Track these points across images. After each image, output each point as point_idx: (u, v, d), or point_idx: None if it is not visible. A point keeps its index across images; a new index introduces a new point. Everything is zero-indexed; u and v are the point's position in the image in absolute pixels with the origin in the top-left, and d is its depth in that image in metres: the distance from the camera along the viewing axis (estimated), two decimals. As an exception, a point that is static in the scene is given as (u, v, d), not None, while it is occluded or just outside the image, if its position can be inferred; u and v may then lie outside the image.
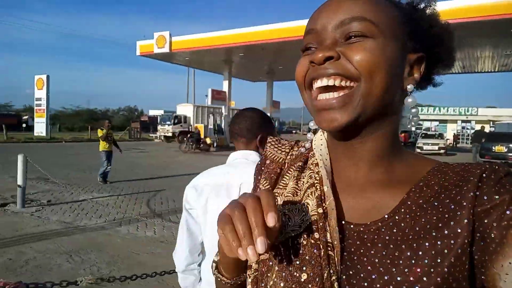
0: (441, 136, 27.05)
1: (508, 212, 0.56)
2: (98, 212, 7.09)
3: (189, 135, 22.84)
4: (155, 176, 11.82)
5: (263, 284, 0.70)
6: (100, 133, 10.56)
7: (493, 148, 16.65)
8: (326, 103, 0.64)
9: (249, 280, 0.73)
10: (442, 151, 24.55)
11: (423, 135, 27.55)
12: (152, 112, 60.87)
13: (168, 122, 29.49)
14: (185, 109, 30.34)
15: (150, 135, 36.60)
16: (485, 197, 0.58)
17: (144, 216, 6.58)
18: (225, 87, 27.44)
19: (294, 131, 78.86)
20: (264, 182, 0.82)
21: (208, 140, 23.38)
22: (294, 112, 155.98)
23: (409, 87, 0.67)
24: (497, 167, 0.61)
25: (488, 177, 0.60)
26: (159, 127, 31.38)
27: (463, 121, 49.90)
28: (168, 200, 8.41)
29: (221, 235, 0.54)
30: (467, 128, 46.38)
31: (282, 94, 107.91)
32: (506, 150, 16.40)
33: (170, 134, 29.08)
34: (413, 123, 0.70)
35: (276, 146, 0.88)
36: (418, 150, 23.66)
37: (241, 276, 0.74)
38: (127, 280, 2.81)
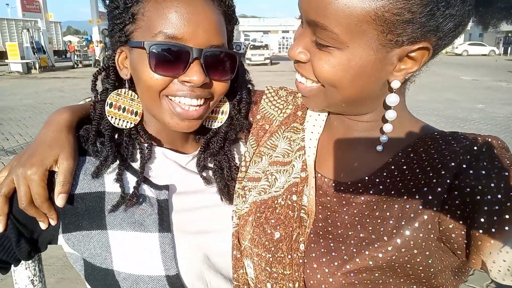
0: (266, 46, 27.93)
1: (499, 196, 0.53)
2: None
3: None
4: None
5: (241, 237, 0.76)
6: None
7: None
8: (300, 90, 0.70)
9: (231, 233, 0.80)
10: (267, 61, 26.08)
11: (251, 46, 28.10)
12: None
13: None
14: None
15: None
16: (471, 171, 0.56)
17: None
18: (38, -5, 22.41)
19: None
20: (251, 138, 0.87)
21: None
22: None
23: (395, 83, 0.62)
24: (490, 139, 0.59)
25: (479, 150, 0.58)
26: None
27: (283, 31, 54.10)
28: (14, 135, 7.21)
29: None
30: (287, 38, 50.18)
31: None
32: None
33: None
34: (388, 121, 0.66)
35: (271, 100, 0.90)
36: (248, 62, 24.90)
37: None
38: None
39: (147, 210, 0.79)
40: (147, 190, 0.80)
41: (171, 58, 0.71)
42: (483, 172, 0.55)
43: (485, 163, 0.56)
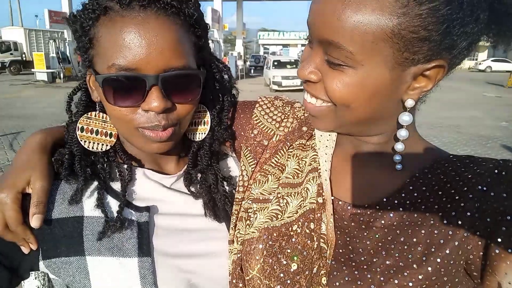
0: (296, 63, 19.23)
1: None
2: None
3: None
4: (3, 116, 10.21)
5: (247, 265, 0.68)
6: None
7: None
8: (309, 109, 0.66)
9: (231, 260, 0.74)
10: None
11: (276, 63, 19.60)
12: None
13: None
14: (14, 34, 26.31)
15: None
16: (492, 193, 0.56)
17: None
18: (64, 7, 22.51)
19: None
20: (249, 156, 0.81)
21: None
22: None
23: (409, 102, 0.61)
24: (510, 164, 0.59)
25: (499, 174, 0.58)
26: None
27: (302, 45, 54.67)
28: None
29: None
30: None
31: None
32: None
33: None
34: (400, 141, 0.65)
35: (267, 111, 0.84)
36: (276, 87, 17.47)
37: None
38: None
39: (127, 233, 0.76)
40: (127, 212, 0.78)
41: (128, 89, 0.68)
42: (504, 194, 0.56)
43: (505, 186, 0.57)
